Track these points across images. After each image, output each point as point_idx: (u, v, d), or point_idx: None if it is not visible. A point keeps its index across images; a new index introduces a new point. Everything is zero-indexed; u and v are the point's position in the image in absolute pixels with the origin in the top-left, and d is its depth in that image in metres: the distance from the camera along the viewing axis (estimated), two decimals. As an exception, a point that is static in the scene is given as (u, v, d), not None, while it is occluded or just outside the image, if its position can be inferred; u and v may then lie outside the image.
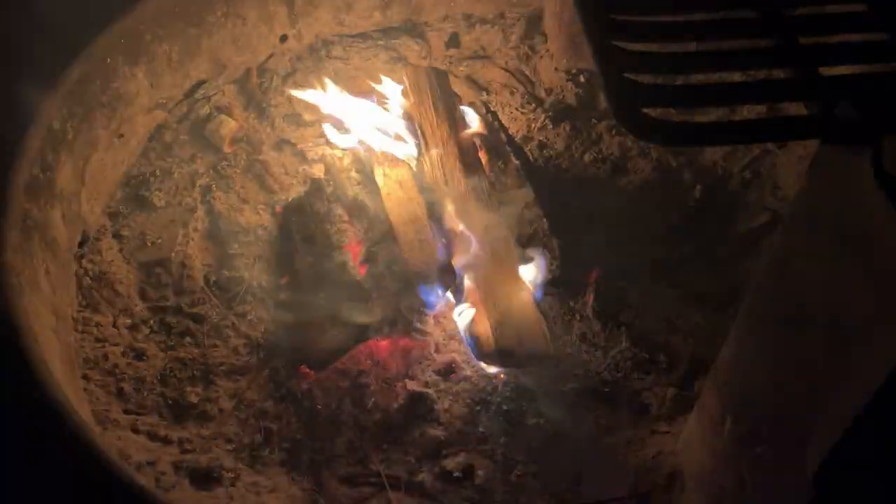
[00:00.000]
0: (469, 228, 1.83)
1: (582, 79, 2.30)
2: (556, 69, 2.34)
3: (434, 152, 1.99)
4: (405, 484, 1.58)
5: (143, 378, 1.69)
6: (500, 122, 2.16)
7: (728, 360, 1.32)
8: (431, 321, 1.77)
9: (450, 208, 1.91)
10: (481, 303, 1.76)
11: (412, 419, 1.66)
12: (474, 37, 2.46)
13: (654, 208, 2.01)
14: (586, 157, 2.14)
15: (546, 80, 2.34)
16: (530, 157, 2.12)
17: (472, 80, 2.35)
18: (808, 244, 1.05)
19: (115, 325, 1.77)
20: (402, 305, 1.73)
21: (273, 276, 1.88)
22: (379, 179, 1.96)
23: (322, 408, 1.67)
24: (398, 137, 2.06)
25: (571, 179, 2.10)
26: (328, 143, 2.15)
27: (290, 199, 2.01)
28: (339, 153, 2.12)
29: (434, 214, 1.90)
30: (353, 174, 2.05)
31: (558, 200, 1.96)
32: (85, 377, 1.67)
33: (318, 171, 2.09)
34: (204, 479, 1.55)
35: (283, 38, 2.34)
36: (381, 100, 2.16)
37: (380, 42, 2.43)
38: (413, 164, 2.03)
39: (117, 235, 1.93)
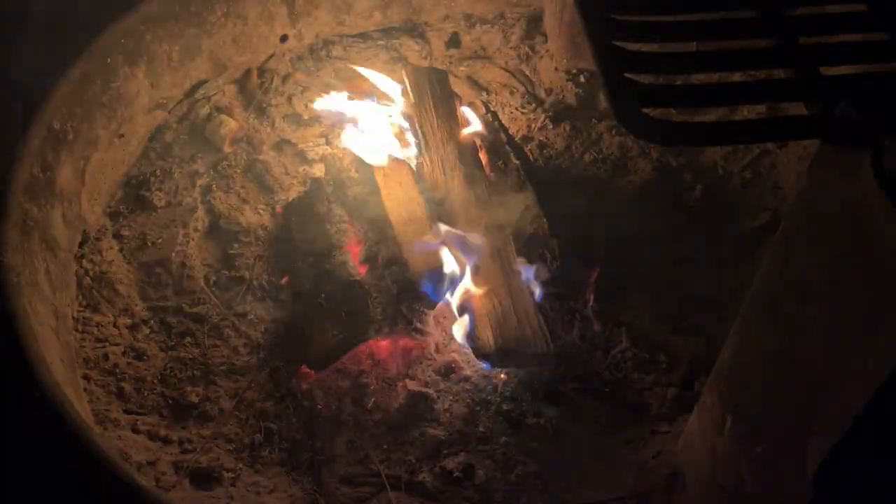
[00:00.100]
0: (469, 228, 1.83)
1: (582, 79, 2.30)
2: (556, 69, 2.34)
3: (434, 152, 1.99)
4: (405, 484, 1.58)
5: (144, 378, 1.69)
6: (500, 122, 2.16)
7: (728, 360, 1.31)
8: (431, 321, 1.77)
9: (450, 208, 1.91)
10: (481, 303, 1.76)
11: (412, 419, 1.66)
12: (474, 37, 2.46)
13: (654, 208, 2.01)
14: (586, 157, 2.14)
15: (546, 80, 2.34)
16: (530, 157, 2.12)
17: (472, 80, 2.35)
18: (808, 244, 1.05)
19: (115, 325, 1.77)
20: (402, 305, 1.73)
21: (273, 276, 1.88)
22: (379, 179, 1.96)
23: (322, 408, 1.67)
24: (398, 137, 2.06)
25: (571, 179, 2.10)
26: (328, 143, 2.15)
27: (290, 199, 2.01)
28: (338, 153, 2.12)
29: (434, 214, 1.89)
30: (353, 174, 2.05)
31: (558, 200, 1.96)
32: (85, 377, 1.67)
33: (318, 171, 2.09)
34: (204, 479, 1.55)
35: (284, 38, 2.34)
36: (383, 100, 2.16)
37: (380, 42, 2.43)
38: (413, 164, 2.03)
39: (117, 235, 1.93)
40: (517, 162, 2.00)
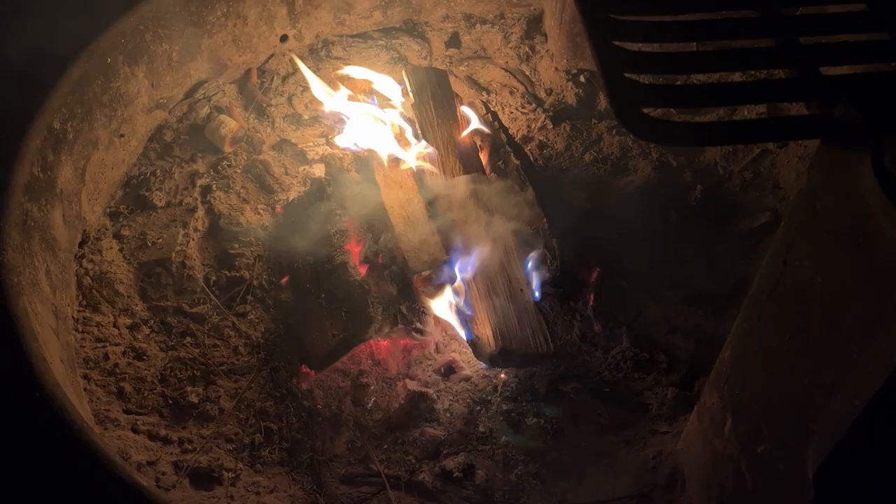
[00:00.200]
0: (468, 228, 1.83)
1: (582, 79, 2.30)
2: (556, 69, 2.34)
3: (434, 152, 1.99)
4: (405, 484, 1.58)
5: (144, 378, 1.69)
6: (500, 122, 2.16)
7: (728, 360, 1.32)
8: (431, 321, 1.77)
9: (450, 208, 1.91)
10: (481, 303, 1.76)
11: (412, 419, 1.66)
12: (474, 37, 2.46)
13: (654, 208, 2.01)
14: (586, 157, 2.14)
15: (546, 80, 2.34)
16: (530, 157, 2.12)
17: (472, 80, 2.35)
18: (808, 244, 1.05)
19: (115, 325, 1.77)
20: (402, 305, 1.73)
21: (273, 276, 1.88)
22: (379, 179, 1.96)
23: (322, 408, 1.67)
24: (398, 137, 2.06)
25: (571, 179, 2.10)
26: (329, 143, 2.15)
27: (290, 199, 2.01)
28: (339, 153, 2.12)
29: (434, 214, 1.89)
30: (353, 174, 2.05)
31: (558, 200, 1.96)
32: (85, 377, 1.67)
33: (318, 171, 2.09)
34: (204, 479, 1.55)
35: (284, 38, 2.34)
36: (383, 100, 2.16)
37: (380, 42, 2.43)
38: (413, 164, 2.03)
39: (118, 235, 1.93)
40: (517, 162, 1.99)
